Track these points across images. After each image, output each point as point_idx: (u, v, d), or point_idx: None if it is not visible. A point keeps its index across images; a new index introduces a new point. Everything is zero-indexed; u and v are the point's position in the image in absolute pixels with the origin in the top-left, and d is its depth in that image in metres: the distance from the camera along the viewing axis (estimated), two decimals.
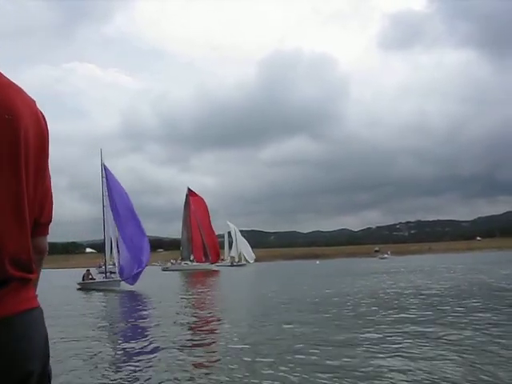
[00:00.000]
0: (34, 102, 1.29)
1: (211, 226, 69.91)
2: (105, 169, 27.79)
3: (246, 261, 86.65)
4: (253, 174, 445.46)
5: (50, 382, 1.26)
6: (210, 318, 12.03)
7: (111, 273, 28.85)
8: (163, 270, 67.39)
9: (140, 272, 24.32)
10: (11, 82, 1.24)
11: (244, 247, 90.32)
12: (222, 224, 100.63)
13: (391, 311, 11.78)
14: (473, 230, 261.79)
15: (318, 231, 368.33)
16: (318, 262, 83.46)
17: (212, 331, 10.01)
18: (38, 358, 1.19)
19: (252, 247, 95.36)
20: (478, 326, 8.96)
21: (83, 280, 28.26)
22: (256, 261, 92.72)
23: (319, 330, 9.10)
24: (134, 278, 24.44)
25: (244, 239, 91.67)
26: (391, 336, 8.34)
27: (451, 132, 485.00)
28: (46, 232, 1.33)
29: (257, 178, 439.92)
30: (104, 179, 27.58)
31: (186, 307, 15.70)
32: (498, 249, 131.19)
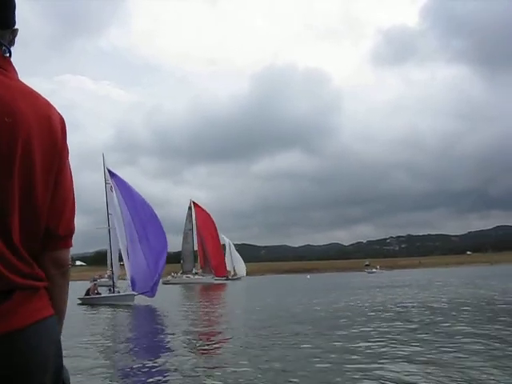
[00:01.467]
0: (48, 104, 1.24)
1: (219, 240, 69.85)
2: (111, 174, 25.35)
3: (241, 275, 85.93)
4: (245, 187, 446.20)
5: None
6: (223, 336, 11.18)
7: (112, 287, 26.00)
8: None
9: (157, 282, 22.31)
10: (21, 84, 1.22)
11: (237, 261, 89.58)
12: None
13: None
14: (463, 245, 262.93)
15: (308, 245, 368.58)
16: (308, 277, 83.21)
17: (225, 352, 9.16)
18: (49, 369, 1.15)
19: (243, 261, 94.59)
20: None
21: (88, 295, 25.48)
22: (246, 274, 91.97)
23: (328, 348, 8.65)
24: (152, 290, 22.33)
25: (237, 253, 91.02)
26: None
27: (443, 147, 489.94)
28: (66, 244, 1.26)
29: (249, 192, 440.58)
30: (109, 185, 25.37)
31: (201, 324, 14.71)
32: (488, 263, 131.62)
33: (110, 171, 25.57)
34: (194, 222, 70.34)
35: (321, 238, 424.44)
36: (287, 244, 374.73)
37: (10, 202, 1.11)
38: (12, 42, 1.28)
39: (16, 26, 1.29)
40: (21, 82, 1.22)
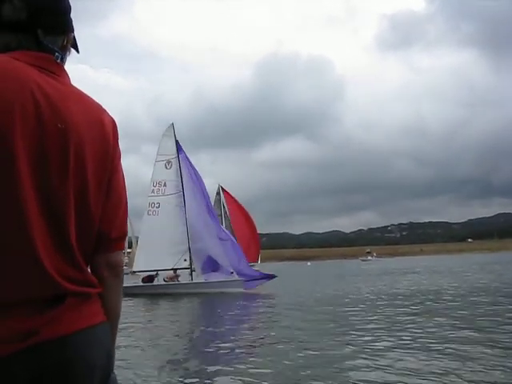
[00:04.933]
0: (100, 109, 1.25)
1: (253, 225, 68.39)
2: (178, 148, 23.47)
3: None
4: (247, 175, 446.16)
5: None
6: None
7: (191, 273, 23.42)
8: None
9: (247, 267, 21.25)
10: (73, 89, 1.22)
11: None
12: None
13: None
14: (464, 232, 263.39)
15: (310, 233, 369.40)
16: (309, 264, 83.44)
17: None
18: (95, 377, 1.13)
19: None
20: None
21: (165, 281, 22.61)
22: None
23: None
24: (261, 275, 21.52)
25: None
26: None
27: (447, 134, 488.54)
28: (119, 246, 1.27)
29: (250, 179, 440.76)
30: (182, 160, 23.20)
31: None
32: (489, 250, 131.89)
33: (178, 144, 23.77)
34: (222, 207, 68.52)
35: (322, 226, 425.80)
36: (288, 231, 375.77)
37: (67, 208, 1.11)
38: (66, 48, 1.25)
39: (73, 33, 1.26)
40: (73, 86, 1.22)
